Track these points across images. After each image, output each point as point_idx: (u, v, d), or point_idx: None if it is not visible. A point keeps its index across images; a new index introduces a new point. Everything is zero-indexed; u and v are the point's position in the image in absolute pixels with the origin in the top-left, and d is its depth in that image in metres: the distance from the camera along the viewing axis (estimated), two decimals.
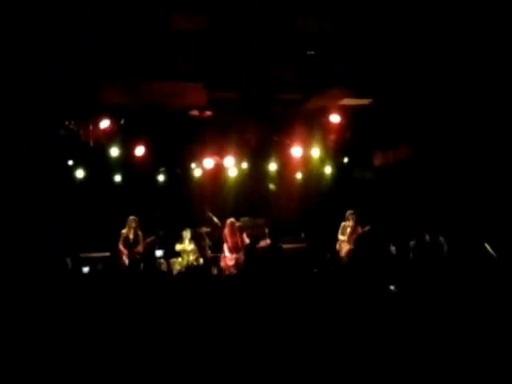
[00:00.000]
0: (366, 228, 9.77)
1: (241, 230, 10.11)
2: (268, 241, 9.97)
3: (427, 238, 8.88)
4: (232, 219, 10.07)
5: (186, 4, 6.29)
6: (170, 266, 9.95)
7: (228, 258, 9.79)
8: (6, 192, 8.28)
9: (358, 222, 9.92)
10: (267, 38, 7.58)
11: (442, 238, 8.76)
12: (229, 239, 9.89)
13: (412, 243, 8.93)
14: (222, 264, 9.86)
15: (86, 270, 8.53)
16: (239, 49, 7.72)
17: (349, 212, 10.06)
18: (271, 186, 11.92)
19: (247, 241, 9.92)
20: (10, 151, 7.92)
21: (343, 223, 10.13)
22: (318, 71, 8.27)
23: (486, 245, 7.01)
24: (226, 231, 9.96)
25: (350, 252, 9.63)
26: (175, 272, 9.84)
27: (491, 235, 7.48)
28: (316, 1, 6.77)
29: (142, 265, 7.60)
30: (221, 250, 10.04)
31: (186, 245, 10.19)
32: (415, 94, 8.61)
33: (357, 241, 9.65)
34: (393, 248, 9.21)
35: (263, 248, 9.68)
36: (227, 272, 9.71)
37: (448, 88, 8.23)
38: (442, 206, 9.29)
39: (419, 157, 9.75)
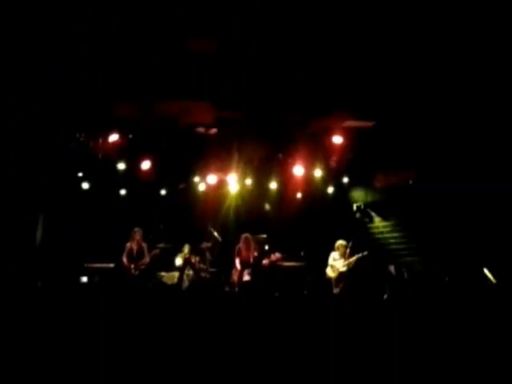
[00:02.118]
0: (364, 253, 9.71)
1: (252, 248, 9.86)
2: (278, 255, 9.95)
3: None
4: (247, 234, 9.93)
5: (199, 28, 6.52)
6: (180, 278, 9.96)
7: (240, 272, 9.57)
8: (14, 200, 8.44)
9: (351, 253, 9.79)
10: (273, 61, 7.83)
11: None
12: (243, 253, 9.69)
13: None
14: (234, 279, 9.66)
15: (84, 279, 8.65)
16: (247, 71, 7.97)
17: (338, 243, 10.01)
18: (267, 206, 12.00)
19: (260, 258, 9.84)
20: (22, 161, 8.09)
21: (332, 253, 10.03)
22: (321, 94, 8.50)
23: (485, 270, 7.16)
24: (241, 245, 9.77)
25: (343, 275, 9.70)
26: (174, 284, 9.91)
27: (491, 260, 7.64)
28: (322, 28, 6.99)
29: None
30: (232, 265, 9.86)
31: (186, 258, 10.29)
32: (417, 118, 8.82)
33: (356, 264, 9.68)
34: (391, 268, 9.34)
35: (273, 262, 9.75)
36: (236, 289, 9.62)
37: (450, 112, 8.44)
38: (442, 231, 9.44)
39: (420, 180, 9.93)
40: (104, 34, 6.59)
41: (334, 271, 9.86)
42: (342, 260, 9.86)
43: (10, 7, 6.13)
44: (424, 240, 9.78)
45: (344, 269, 9.74)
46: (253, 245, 9.86)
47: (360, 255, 9.71)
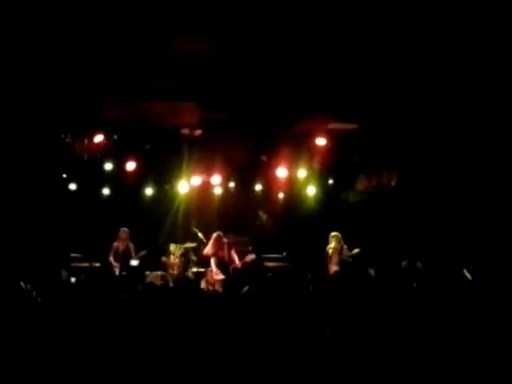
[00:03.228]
0: (355, 251, 9.84)
1: (229, 246, 10.10)
2: (253, 256, 10.07)
3: (404, 263, 9.10)
4: (219, 232, 10.03)
5: (187, 28, 6.57)
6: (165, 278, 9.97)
7: (215, 272, 9.69)
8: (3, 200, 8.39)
9: (344, 244, 9.93)
10: (259, 64, 7.92)
11: (419, 264, 9.02)
12: (216, 253, 9.81)
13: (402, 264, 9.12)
14: (208, 278, 9.72)
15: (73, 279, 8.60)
16: (232, 72, 8.04)
17: (331, 234, 10.18)
18: (262, 214, 12.04)
19: (236, 258, 9.99)
20: (10, 163, 8.04)
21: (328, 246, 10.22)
22: (306, 96, 8.61)
23: (465, 271, 7.31)
24: (213, 245, 9.90)
25: (335, 273, 9.81)
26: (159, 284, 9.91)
27: (471, 260, 7.82)
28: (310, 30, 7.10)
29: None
30: (208, 265, 9.98)
31: (172, 259, 10.31)
32: (400, 121, 8.99)
33: (342, 263, 9.80)
34: (371, 271, 9.43)
35: (248, 263, 9.85)
36: (211, 287, 9.73)
37: (432, 116, 8.62)
38: (423, 233, 9.60)
39: (402, 183, 10.10)
40: (93, 35, 6.60)
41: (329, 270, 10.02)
42: (330, 251, 9.97)
43: None
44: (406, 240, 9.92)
45: (332, 267, 9.88)
46: (227, 246, 9.94)
47: (347, 254, 9.82)
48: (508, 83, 7.67)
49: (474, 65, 7.56)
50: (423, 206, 9.77)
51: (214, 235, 10.01)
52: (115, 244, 9.77)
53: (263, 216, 10.80)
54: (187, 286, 7.30)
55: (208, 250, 9.98)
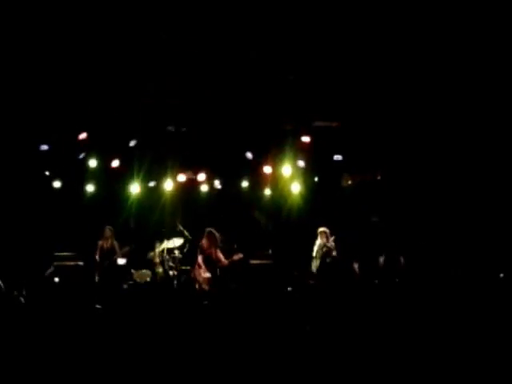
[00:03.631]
0: (331, 239, 9.92)
1: (216, 244, 10.02)
2: (240, 255, 10.10)
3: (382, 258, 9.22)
4: (211, 228, 9.95)
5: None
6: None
7: (202, 270, 9.65)
8: None
9: (331, 241, 9.99)
10: (244, 63, 7.95)
11: (401, 258, 9.14)
12: (206, 250, 9.76)
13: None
14: (195, 276, 9.72)
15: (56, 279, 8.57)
16: (218, 71, 8.08)
17: (318, 230, 10.28)
18: (258, 215, 12.03)
19: (221, 256, 10.00)
20: None
21: (315, 242, 10.29)
22: (291, 95, 8.67)
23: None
24: (204, 242, 9.84)
25: (318, 268, 9.91)
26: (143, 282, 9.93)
27: (452, 254, 7.95)
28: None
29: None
30: (195, 262, 9.95)
31: (155, 257, 10.31)
32: (382, 120, 9.09)
33: (323, 256, 9.89)
34: (356, 265, 9.53)
35: (235, 262, 9.88)
36: (197, 285, 9.71)
37: (413, 114, 8.74)
38: (406, 227, 9.72)
39: (386, 178, 10.21)
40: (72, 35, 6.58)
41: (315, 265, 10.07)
42: (316, 248, 10.03)
43: None
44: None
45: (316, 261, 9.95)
46: (217, 240, 9.86)
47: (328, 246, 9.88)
48: (488, 77, 7.77)
49: (455, 61, 7.65)
50: (406, 200, 9.90)
51: (207, 231, 9.91)
52: (100, 242, 9.74)
53: (260, 217, 10.81)
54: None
55: (202, 243, 9.90)
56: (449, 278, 7.27)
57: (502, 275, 7.43)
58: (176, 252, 10.55)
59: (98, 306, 5.33)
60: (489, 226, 8.82)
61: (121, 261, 9.79)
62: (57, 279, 8.72)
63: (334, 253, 9.87)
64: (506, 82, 7.81)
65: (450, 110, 8.41)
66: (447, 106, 8.38)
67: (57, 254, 9.48)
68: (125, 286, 9.08)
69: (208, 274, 9.60)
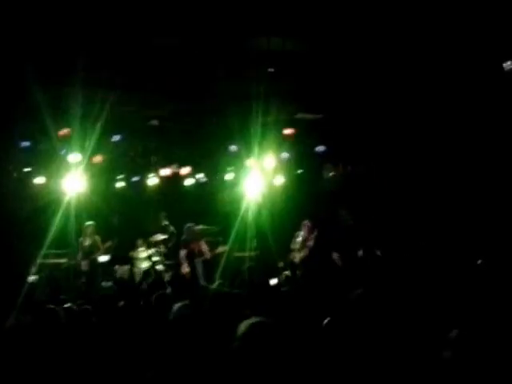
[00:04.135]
0: (314, 233, 10.04)
1: (199, 237, 10.14)
2: (225, 247, 10.16)
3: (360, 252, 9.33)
4: (192, 224, 10.05)
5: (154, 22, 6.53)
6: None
7: (185, 265, 9.74)
8: None
9: (312, 232, 10.17)
10: (227, 54, 7.93)
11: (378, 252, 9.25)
12: (188, 245, 9.83)
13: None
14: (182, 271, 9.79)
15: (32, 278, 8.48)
16: (200, 63, 8.05)
17: (302, 222, 10.37)
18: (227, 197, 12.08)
19: (206, 249, 10.03)
20: None
21: (296, 233, 10.45)
22: (274, 87, 8.67)
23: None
24: (186, 237, 9.91)
25: (301, 260, 10.00)
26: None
27: (434, 245, 8.06)
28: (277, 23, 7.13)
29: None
30: (178, 257, 10.01)
31: (139, 252, 10.30)
32: (365, 111, 9.16)
33: (309, 249, 9.98)
34: (335, 255, 9.60)
35: (219, 255, 9.93)
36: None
37: (396, 104, 8.81)
38: (389, 219, 9.82)
39: (369, 170, 10.31)
40: (57, 25, 6.50)
41: (295, 257, 10.15)
42: (298, 239, 10.12)
43: None
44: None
45: (302, 254, 10.03)
46: (198, 234, 9.97)
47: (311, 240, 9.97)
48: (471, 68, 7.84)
49: (437, 48, 7.70)
50: (389, 193, 10.00)
51: (187, 226, 9.99)
52: (81, 239, 9.68)
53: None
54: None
55: (184, 238, 9.95)
56: (427, 267, 7.36)
57: (479, 262, 7.53)
58: (161, 247, 10.57)
59: (87, 307, 5.26)
60: (466, 214, 8.94)
61: (103, 258, 9.74)
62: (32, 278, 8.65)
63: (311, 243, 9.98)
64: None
65: (433, 100, 8.48)
66: (430, 96, 8.44)
67: (39, 251, 9.44)
68: (108, 284, 9.04)
69: (188, 269, 9.63)
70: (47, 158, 9.27)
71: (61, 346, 4.28)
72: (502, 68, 7.21)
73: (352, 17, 7.19)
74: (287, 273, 9.70)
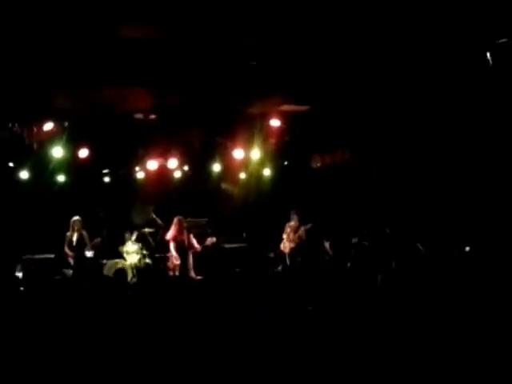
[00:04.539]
0: (308, 226, 10.05)
1: (188, 230, 10.14)
2: (214, 239, 10.18)
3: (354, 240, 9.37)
4: (180, 217, 10.05)
5: (132, 16, 6.46)
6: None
7: (175, 257, 9.76)
8: None
9: (301, 222, 10.21)
10: (211, 49, 7.88)
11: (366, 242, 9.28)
12: (177, 237, 9.85)
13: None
14: (169, 264, 9.84)
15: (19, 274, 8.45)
16: (184, 56, 7.99)
17: (291, 212, 10.40)
18: (226, 187, 12.08)
19: (194, 242, 10.05)
20: None
21: (287, 223, 10.47)
22: (258, 80, 8.65)
23: (418, 245, 7.58)
24: (174, 229, 9.93)
25: (292, 250, 10.03)
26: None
27: (423, 235, 8.11)
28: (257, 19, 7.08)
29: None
30: (167, 250, 10.04)
31: (129, 246, 10.29)
32: (351, 102, 9.16)
33: (300, 239, 10.01)
34: (327, 244, 9.65)
35: (208, 247, 9.95)
36: (172, 273, 9.78)
37: (382, 95, 8.81)
38: (377, 208, 9.89)
39: (355, 160, 10.34)
40: (37, 22, 6.43)
41: (285, 247, 10.19)
42: (289, 229, 10.13)
43: None
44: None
45: (293, 244, 10.07)
46: (186, 229, 9.96)
47: (303, 230, 10.01)
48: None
49: (425, 41, 7.69)
50: (375, 182, 10.05)
51: (175, 219, 10.01)
52: (68, 234, 9.65)
53: (228, 187, 10.85)
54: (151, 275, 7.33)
55: (169, 234, 10.00)
56: (416, 255, 7.42)
57: (467, 249, 7.60)
58: (150, 239, 10.57)
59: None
60: (455, 203, 9.00)
61: (89, 253, 9.73)
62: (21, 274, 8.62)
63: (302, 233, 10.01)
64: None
65: (421, 91, 8.49)
66: (418, 88, 8.44)
67: (25, 247, 9.42)
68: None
69: (178, 262, 9.67)
70: (32, 153, 9.19)
71: None
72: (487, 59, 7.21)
73: (340, 7, 7.17)
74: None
